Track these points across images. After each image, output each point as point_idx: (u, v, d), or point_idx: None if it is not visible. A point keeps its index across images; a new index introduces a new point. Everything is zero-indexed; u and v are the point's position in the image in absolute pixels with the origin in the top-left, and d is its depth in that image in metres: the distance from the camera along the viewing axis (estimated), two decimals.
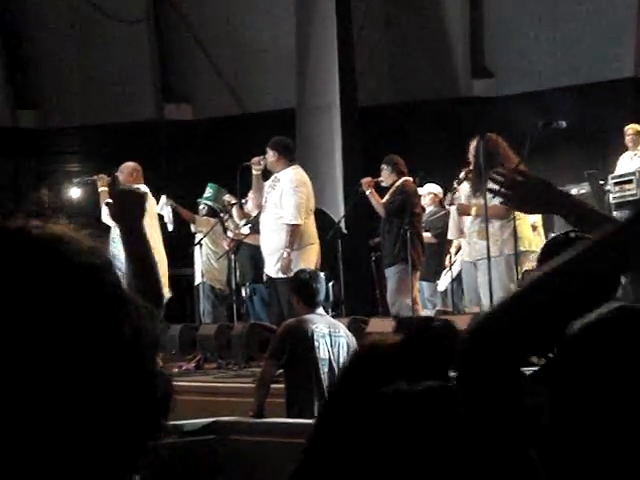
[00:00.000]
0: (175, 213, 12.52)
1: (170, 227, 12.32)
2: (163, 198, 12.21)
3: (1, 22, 15.98)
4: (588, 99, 13.32)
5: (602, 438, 1.53)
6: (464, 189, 8.99)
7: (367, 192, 9.98)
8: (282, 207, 9.37)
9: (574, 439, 1.55)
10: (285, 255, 9.27)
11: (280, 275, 9.36)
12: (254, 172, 9.81)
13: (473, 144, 9.00)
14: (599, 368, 1.56)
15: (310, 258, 9.34)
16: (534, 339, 1.53)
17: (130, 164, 10.55)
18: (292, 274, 9.10)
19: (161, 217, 12.29)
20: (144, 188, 10.34)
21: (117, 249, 10.42)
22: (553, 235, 11.40)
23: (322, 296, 7.17)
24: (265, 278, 10.00)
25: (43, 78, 16.30)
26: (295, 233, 9.30)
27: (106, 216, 10.26)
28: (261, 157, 9.65)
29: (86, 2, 15.71)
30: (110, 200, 3.18)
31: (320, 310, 7.08)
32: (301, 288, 7.07)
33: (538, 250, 10.18)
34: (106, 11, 15.67)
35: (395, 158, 10.16)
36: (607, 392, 1.53)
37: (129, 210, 3.00)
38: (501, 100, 14.65)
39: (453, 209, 8.85)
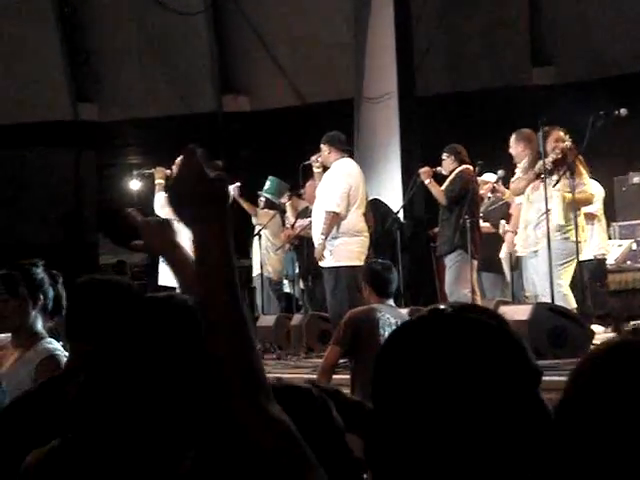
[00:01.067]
0: (236, 204, 12.57)
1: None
2: (232, 187, 12.26)
3: (63, 15, 16.13)
4: None
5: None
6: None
7: (426, 182, 9.93)
8: (326, 196, 9.39)
9: None
10: (320, 241, 9.28)
11: (326, 264, 9.35)
12: (315, 170, 9.86)
13: (513, 138, 9.02)
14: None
15: (353, 249, 9.27)
16: None
17: None
18: (333, 262, 9.17)
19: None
20: None
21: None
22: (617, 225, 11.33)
23: (394, 287, 7.13)
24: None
25: (104, 71, 16.45)
26: (332, 221, 9.27)
27: (160, 208, 10.36)
28: (317, 154, 9.70)
29: None
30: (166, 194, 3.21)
31: (390, 301, 7.05)
32: (373, 278, 7.04)
33: (597, 236, 10.18)
34: (166, 4, 15.77)
35: (457, 147, 10.10)
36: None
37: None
38: (561, 88, 14.51)
39: (557, 195, 8.69)
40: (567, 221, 8.37)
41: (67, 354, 3.95)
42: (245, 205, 12.68)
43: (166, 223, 3.02)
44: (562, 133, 8.58)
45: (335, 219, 9.27)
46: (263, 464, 1.56)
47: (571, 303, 8.22)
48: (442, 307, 1.55)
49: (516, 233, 9.33)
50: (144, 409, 2.13)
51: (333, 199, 9.30)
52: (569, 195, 8.27)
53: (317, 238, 9.50)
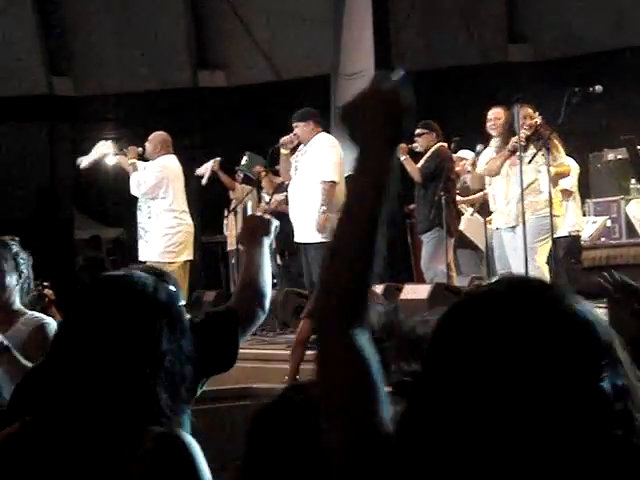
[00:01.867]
0: (215, 177, 12.54)
1: (203, 181, 12.41)
2: (213, 161, 12.23)
3: None
4: (624, 63, 13.19)
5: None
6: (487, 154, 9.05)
7: (402, 158, 9.91)
8: (316, 167, 9.33)
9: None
10: (321, 213, 9.17)
11: (311, 240, 9.28)
12: (283, 151, 9.77)
13: (494, 111, 9.05)
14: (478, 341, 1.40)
15: None
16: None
17: (158, 134, 10.50)
18: (322, 238, 9.12)
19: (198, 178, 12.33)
20: (172, 159, 10.36)
21: (141, 217, 10.52)
22: (590, 201, 11.38)
23: None
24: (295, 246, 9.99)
25: (78, 45, 16.33)
26: (331, 191, 9.21)
27: (134, 188, 10.31)
28: (291, 135, 9.64)
29: None
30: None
31: None
32: None
33: (572, 213, 10.23)
34: None
35: (431, 124, 10.10)
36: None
37: (257, 236, 3.20)
38: (537, 65, 14.54)
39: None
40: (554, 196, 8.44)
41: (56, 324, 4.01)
42: (224, 179, 12.66)
43: (266, 220, 3.27)
44: (531, 110, 8.60)
45: (333, 188, 9.20)
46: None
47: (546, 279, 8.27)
48: (512, 278, 1.56)
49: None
50: (102, 389, 2.14)
51: (327, 168, 9.24)
52: (553, 169, 8.33)
53: (301, 216, 9.41)
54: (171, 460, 2.14)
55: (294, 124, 9.56)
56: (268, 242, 3.23)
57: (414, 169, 9.82)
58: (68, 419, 2.13)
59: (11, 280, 4.36)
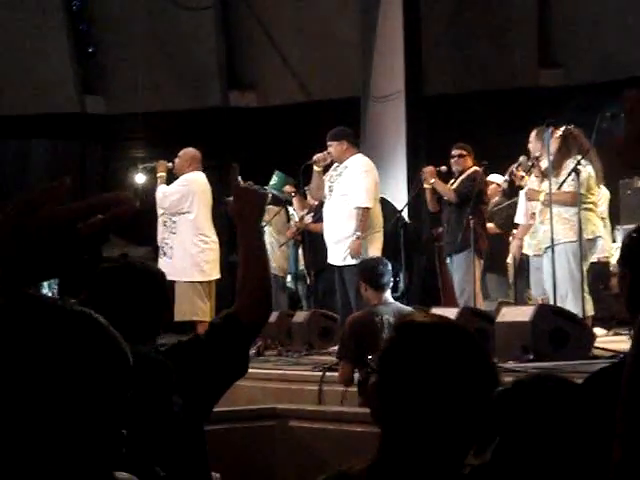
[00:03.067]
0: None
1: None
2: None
3: (71, 8, 16.14)
4: None
5: None
6: (531, 180, 9.01)
7: (431, 181, 9.90)
8: (351, 192, 9.34)
9: None
10: (355, 238, 9.21)
11: (348, 262, 9.30)
12: (316, 169, 9.76)
13: (534, 134, 9.01)
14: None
15: (377, 245, 9.31)
16: None
17: (189, 150, 10.54)
18: (360, 260, 9.13)
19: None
20: (201, 175, 10.38)
21: (165, 233, 10.52)
22: (630, 231, 11.31)
23: (388, 279, 7.16)
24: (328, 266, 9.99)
25: (110, 64, 16.44)
26: (365, 216, 9.24)
27: (159, 200, 10.35)
28: (325, 153, 9.62)
29: None
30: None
31: (387, 294, 7.08)
32: (367, 273, 7.10)
33: (604, 237, 10.17)
34: None
35: (467, 146, 10.12)
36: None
37: (249, 209, 3.07)
38: (568, 90, 14.50)
39: (522, 194, 8.80)
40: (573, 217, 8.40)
41: None
42: None
43: (260, 193, 3.06)
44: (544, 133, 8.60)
45: (367, 214, 9.24)
46: None
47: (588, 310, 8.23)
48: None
49: (521, 240, 9.37)
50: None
51: (362, 194, 9.26)
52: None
53: (337, 238, 9.41)
54: None
55: (328, 143, 9.56)
56: (261, 221, 3.12)
57: (448, 190, 9.79)
58: None
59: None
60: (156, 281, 3.05)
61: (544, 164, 8.82)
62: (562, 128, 8.46)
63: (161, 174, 10.53)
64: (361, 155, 9.61)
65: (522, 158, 9.52)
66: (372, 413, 2.19)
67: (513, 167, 9.54)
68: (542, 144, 8.88)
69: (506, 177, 9.74)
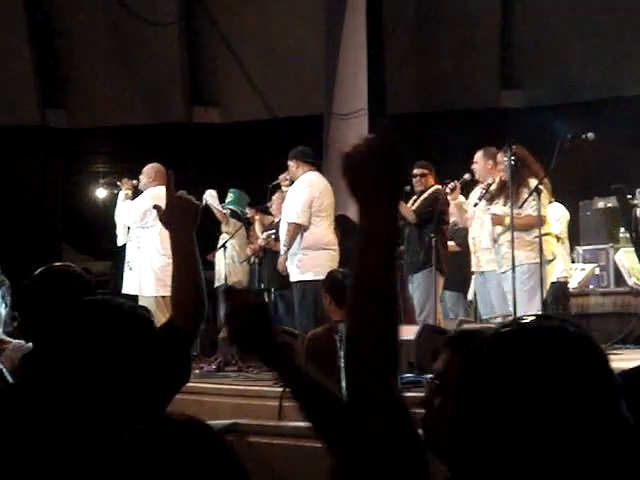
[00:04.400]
0: (208, 211, 12.50)
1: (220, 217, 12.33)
2: (209, 193, 12.05)
3: (32, 20, 16.06)
4: (617, 111, 13.26)
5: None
6: (473, 198, 9.12)
7: None
8: (289, 208, 9.50)
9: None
10: (282, 253, 9.37)
11: (292, 278, 9.43)
12: (284, 189, 9.93)
13: (480, 154, 9.12)
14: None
15: (324, 263, 9.30)
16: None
17: (152, 165, 10.57)
18: (300, 276, 9.19)
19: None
20: (162, 190, 10.37)
21: (130, 248, 10.49)
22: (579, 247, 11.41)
23: None
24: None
25: (73, 78, 16.37)
26: (294, 232, 9.37)
27: (124, 215, 10.36)
28: (286, 173, 9.78)
29: (118, 4, 15.79)
30: (158, 203, 3.21)
31: None
32: (332, 286, 7.03)
33: (564, 257, 10.24)
34: (138, 13, 15.74)
35: (429, 165, 10.18)
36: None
37: (183, 218, 3.03)
38: (529, 111, 14.61)
39: (487, 218, 8.83)
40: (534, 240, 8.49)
41: None
42: (217, 212, 12.60)
43: (193, 203, 3.05)
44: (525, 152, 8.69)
45: (296, 230, 9.35)
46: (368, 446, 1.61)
47: None
48: (526, 320, 1.62)
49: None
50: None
51: (294, 210, 9.39)
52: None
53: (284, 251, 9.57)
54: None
55: (289, 161, 9.72)
56: (195, 230, 3.05)
57: (408, 211, 9.84)
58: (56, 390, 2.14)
59: (0, 310, 4.31)
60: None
61: (493, 187, 8.92)
62: (510, 151, 8.50)
63: (126, 192, 10.57)
64: (312, 173, 9.69)
65: (467, 176, 9.61)
66: (430, 441, 2.05)
67: (457, 183, 9.61)
68: (492, 165, 8.99)
69: (448, 187, 9.78)
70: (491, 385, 1.50)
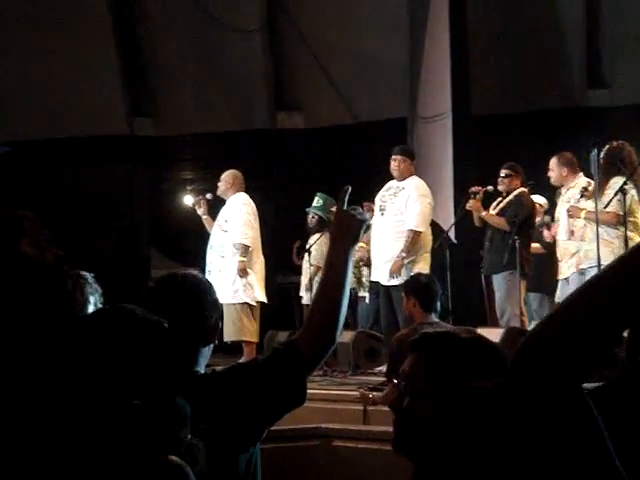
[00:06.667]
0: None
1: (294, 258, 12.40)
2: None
3: (119, 30, 16.30)
4: None
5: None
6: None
7: (482, 214, 9.90)
8: (406, 214, 9.41)
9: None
10: (399, 259, 9.28)
11: (395, 282, 9.37)
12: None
13: (554, 161, 9.03)
14: None
15: (423, 267, 9.36)
16: (591, 349, 1.49)
17: (229, 172, 10.62)
18: (402, 280, 9.16)
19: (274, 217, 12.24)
20: (244, 196, 10.43)
21: (213, 257, 10.56)
22: None
23: (437, 301, 7.15)
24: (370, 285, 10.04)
25: (159, 86, 16.57)
26: (415, 240, 9.35)
27: (216, 239, 10.38)
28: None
29: (202, 12, 15.94)
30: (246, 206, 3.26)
31: (434, 316, 7.05)
32: (419, 291, 7.03)
33: None
34: (222, 20, 15.87)
35: (517, 167, 10.10)
36: None
37: (345, 233, 3.04)
38: (617, 111, 14.39)
39: (564, 211, 8.75)
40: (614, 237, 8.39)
41: None
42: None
43: (359, 219, 3.07)
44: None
45: (417, 238, 9.33)
46: None
47: None
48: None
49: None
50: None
51: (415, 218, 9.33)
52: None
53: (386, 258, 9.48)
54: None
55: (393, 156, 9.67)
56: (354, 250, 3.06)
57: (500, 222, 9.71)
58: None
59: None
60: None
61: (563, 191, 8.84)
62: (606, 147, 8.43)
63: (205, 217, 10.58)
64: (418, 178, 9.69)
65: (490, 188, 9.60)
66: (400, 441, 2.17)
67: (481, 190, 9.62)
68: (567, 172, 8.92)
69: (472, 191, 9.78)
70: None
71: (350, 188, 3.18)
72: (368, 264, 10.64)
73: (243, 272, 10.10)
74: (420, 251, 9.47)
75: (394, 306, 9.39)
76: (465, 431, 1.57)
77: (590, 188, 8.77)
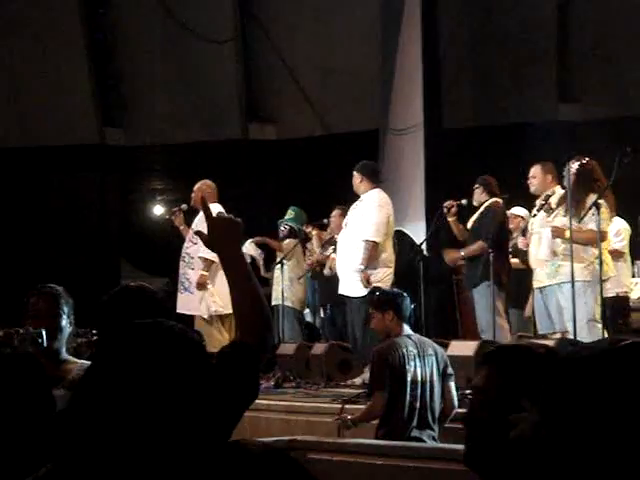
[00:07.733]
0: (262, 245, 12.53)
1: (262, 271, 12.33)
2: (247, 244, 11.98)
3: (91, 40, 16.24)
4: None
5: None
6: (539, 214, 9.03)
7: (450, 219, 9.98)
8: (363, 225, 9.44)
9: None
10: (359, 271, 9.35)
11: (354, 294, 9.43)
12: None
13: (538, 168, 9.04)
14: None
15: (384, 280, 9.38)
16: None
17: (202, 182, 10.63)
18: (366, 292, 9.21)
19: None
20: (218, 207, 10.42)
21: (185, 269, 10.54)
22: None
23: (410, 311, 7.22)
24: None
25: (130, 96, 16.52)
26: (371, 250, 9.38)
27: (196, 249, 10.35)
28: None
29: (175, 22, 15.91)
30: (199, 229, 3.19)
31: (407, 327, 7.06)
32: (396, 303, 7.03)
33: (625, 272, 10.13)
34: (195, 31, 15.85)
35: (487, 178, 10.11)
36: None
37: (226, 237, 2.96)
38: (587, 125, 14.48)
39: (547, 231, 8.75)
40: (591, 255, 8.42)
41: None
42: (271, 243, 12.55)
43: (234, 222, 3.01)
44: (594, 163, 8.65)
45: (375, 248, 9.36)
46: None
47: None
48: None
49: None
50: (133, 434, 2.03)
51: (370, 228, 9.37)
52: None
53: (347, 269, 9.54)
54: None
55: (354, 172, 9.73)
56: (240, 247, 3.02)
57: (478, 248, 9.71)
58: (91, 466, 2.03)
59: (66, 325, 4.31)
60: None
61: (554, 200, 8.83)
62: (577, 163, 8.46)
63: (182, 226, 10.61)
64: (378, 190, 9.70)
65: (464, 201, 9.65)
66: (474, 458, 2.07)
67: (455, 204, 9.67)
68: (550, 179, 8.94)
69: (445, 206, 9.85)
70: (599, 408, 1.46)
71: (205, 198, 3.21)
72: None
73: (200, 286, 10.12)
74: (380, 264, 9.50)
75: (354, 318, 9.53)
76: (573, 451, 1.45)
77: (551, 200, 8.81)
